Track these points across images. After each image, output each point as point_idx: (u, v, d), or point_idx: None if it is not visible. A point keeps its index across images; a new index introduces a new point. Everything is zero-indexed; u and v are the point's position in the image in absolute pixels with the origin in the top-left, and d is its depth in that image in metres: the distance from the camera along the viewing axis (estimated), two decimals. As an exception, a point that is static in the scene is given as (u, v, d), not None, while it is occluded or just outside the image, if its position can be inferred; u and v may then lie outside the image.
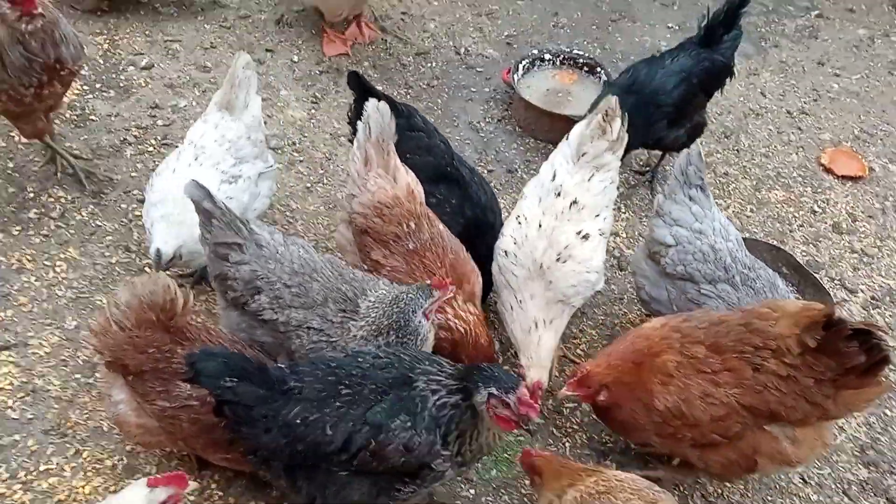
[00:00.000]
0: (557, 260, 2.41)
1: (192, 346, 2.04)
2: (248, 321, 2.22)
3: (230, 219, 2.19)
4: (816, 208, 3.48)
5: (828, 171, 3.64)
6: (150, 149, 3.34)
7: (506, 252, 2.52)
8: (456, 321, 2.33)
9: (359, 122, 2.49)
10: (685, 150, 2.56)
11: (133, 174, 3.22)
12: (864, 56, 4.39)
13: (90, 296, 2.74)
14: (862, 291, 3.16)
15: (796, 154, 3.72)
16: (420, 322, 2.12)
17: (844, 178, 3.61)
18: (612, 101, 2.45)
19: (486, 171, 3.49)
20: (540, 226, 2.45)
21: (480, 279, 2.46)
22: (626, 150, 2.62)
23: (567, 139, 2.53)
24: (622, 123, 2.46)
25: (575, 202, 2.43)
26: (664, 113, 3.09)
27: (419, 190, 2.49)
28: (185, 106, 3.55)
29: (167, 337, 2.05)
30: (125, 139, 3.36)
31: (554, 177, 2.48)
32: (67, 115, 3.41)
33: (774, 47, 4.38)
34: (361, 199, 2.44)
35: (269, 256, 2.19)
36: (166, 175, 2.60)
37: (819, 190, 3.56)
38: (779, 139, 3.80)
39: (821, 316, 1.98)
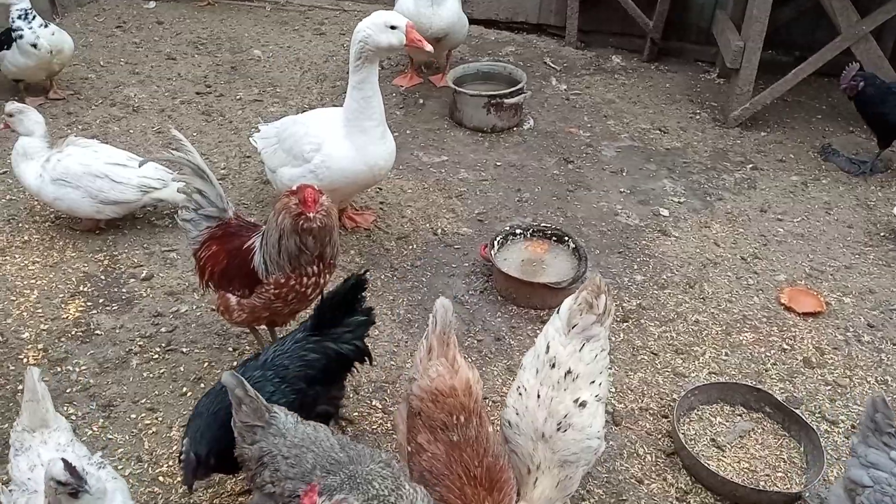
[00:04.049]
0: (558, 429, 2.56)
1: None
2: (261, 499, 2.36)
3: (257, 405, 2.38)
4: (786, 346, 3.72)
5: (788, 309, 3.92)
6: (156, 356, 3.50)
7: (509, 423, 2.69)
8: None
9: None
10: (870, 398, 2.57)
11: (140, 383, 3.35)
12: (800, 200, 4.86)
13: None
14: (842, 421, 3.33)
15: (757, 297, 4.02)
16: None
17: (805, 314, 3.89)
18: (597, 278, 2.72)
19: (475, 342, 3.70)
20: (539, 396, 2.62)
21: (514, 494, 2.52)
22: None
23: (558, 312, 2.76)
24: (608, 298, 2.70)
25: (569, 372, 2.61)
26: None
27: (478, 388, 2.63)
28: (186, 311, 3.75)
29: None
30: (130, 350, 3.52)
31: (548, 349, 2.68)
32: (73, 332, 3.59)
33: (719, 200, 4.83)
34: (421, 384, 2.60)
35: (276, 433, 2.36)
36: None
37: (784, 328, 3.82)
38: (738, 284, 4.12)
39: None
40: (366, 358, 2.94)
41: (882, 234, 4.56)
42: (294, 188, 3.00)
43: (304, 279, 3.05)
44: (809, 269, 4.25)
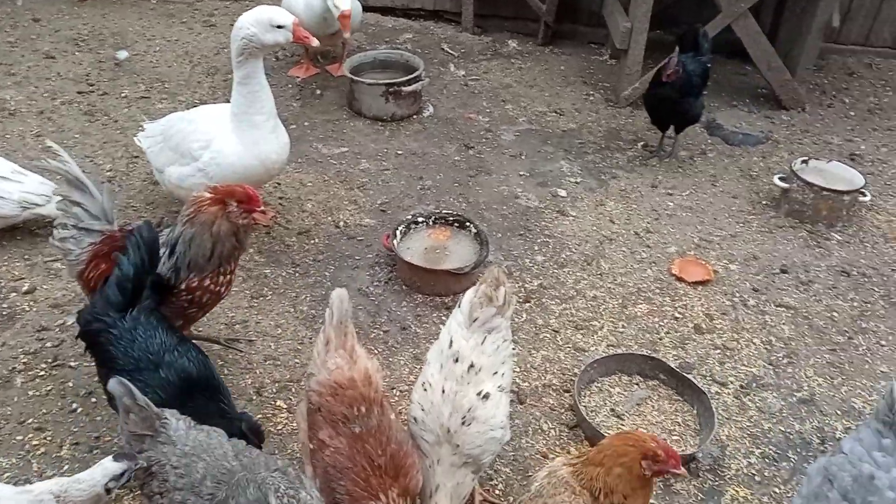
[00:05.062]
0: (463, 423, 2.58)
1: None
2: None
3: (147, 414, 2.29)
4: (678, 315, 3.89)
5: (679, 279, 4.10)
6: (42, 373, 3.32)
7: (415, 419, 2.69)
8: None
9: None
10: (890, 385, 2.47)
11: (26, 402, 3.18)
12: (688, 174, 5.07)
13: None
14: (731, 383, 3.52)
15: (650, 269, 4.19)
16: None
17: (695, 283, 4.08)
18: (496, 270, 2.75)
19: (381, 332, 3.69)
20: (443, 391, 2.63)
21: (420, 476, 2.53)
22: None
23: (459, 306, 2.77)
24: (507, 289, 2.73)
25: (472, 366, 2.63)
26: None
27: (378, 377, 2.60)
28: (74, 323, 3.57)
29: None
30: (14, 368, 3.33)
31: (451, 343, 2.69)
32: (-50, 354, 3.37)
33: (613, 178, 4.98)
34: (319, 378, 2.56)
35: (166, 441, 2.29)
36: None
37: (676, 298, 4.00)
38: (633, 258, 4.27)
39: None
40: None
41: (764, 202, 4.83)
42: (209, 193, 2.90)
43: (221, 277, 2.98)
44: (698, 239, 4.45)
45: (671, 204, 4.76)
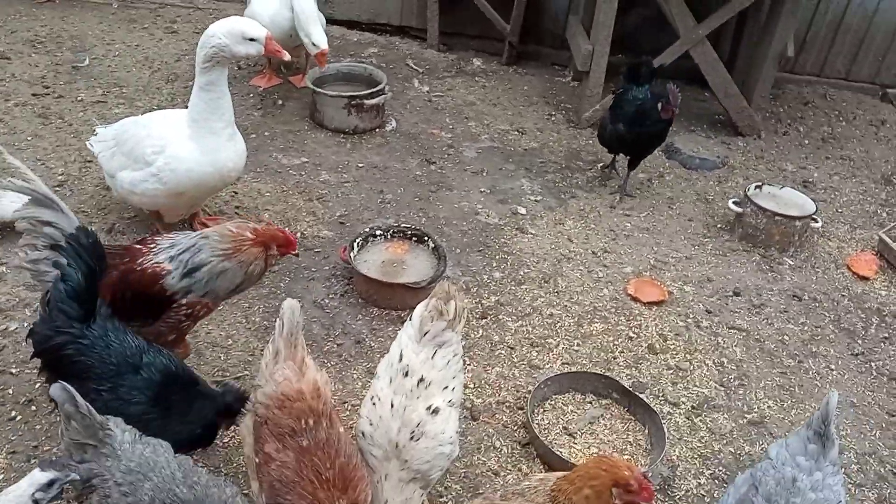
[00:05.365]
0: (411, 439, 2.54)
1: None
2: None
3: (89, 422, 2.21)
4: (632, 334, 3.92)
5: (635, 299, 4.14)
6: (-20, 381, 3.19)
7: (363, 433, 2.64)
8: None
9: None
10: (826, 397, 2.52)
11: (-39, 411, 3.05)
12: (646, 196, 5.14)
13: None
14: (682, 403, 3.54)
15: (606, 288, 4.22)
16: None
17: (650, 303, 4.12)
18: (446, 284, 2.73)
19: (335, 346, 3.64)
20: (392, 405, 2.59)
21: (370, 490, 2.48)
22: None
23: (410, 320, 2.75)
24: (458, 303, 2.71)
25: (422, 380, 2.60)
26: None
27: (326, 390, 2.56)
28: (17, 329, 3.45)
29: None
30: (-49, 375, 3.20)
31: (401, 357, 2.66)
32: None
33: (572, 198, 5.03)
34: (266, 390, 2.51)
35: (110, 454, 2.20)
36: None
37: (631, 317, 4.03)
38: (589, 277, 4.30)
39: None
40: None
41: (719, 226, 4.91)
42: (251, 234, 2.91)
43: None
44: (654, 260, 4.50)
45: (628, 225, 4.82)
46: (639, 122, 4.74)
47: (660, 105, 4.63)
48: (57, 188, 4.40)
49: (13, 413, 3.08)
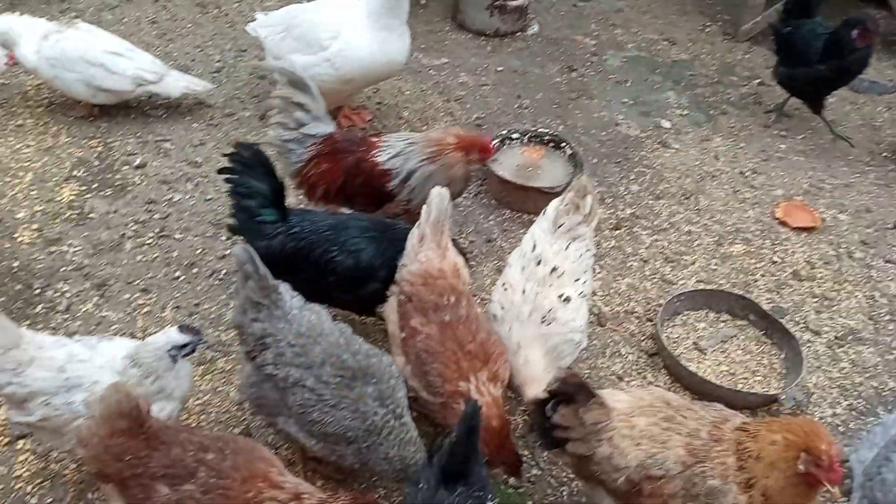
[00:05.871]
0: (543, 322, 2.59)
1: (169, 449, 2.07)
2: (256, 375, 2.39)
3: (265, 283, 2.36)
4: (776, 259, 3.73)
5: (783, 223, 3.91)
6: (149, 241, 3.51)
7: (494, 316, 2.73)
8: (477, 396, 2.42)
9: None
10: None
11: (133, 265, 3.38)
12: (805, 118, 4.76)
13: (98, 385, 2.84)
14: (825, 332, 3.37)
15: (752, 210, 4.01)
16: None
17: (799, 229, 3.88)
18: (584, 179, 2.71)
19: (466, 242, 3.71)
20: (524, 291, 2.65)
21: (509, 365, 2.57)
22: None
23: (545, 213, 2.76)
24: (593, 199, 2.69)
25: (555, 269, 2.64)
26: None
27: (465, 272, 2.69)
28: (180, 200, 3.75)
29: (142, 443, 2.06)
30: (124, 234, 3.54)
31: (534, 247, 2.70)
32: (67, 215, 3.60)
33: (723, 114, 4.74)
34: (410, 269, 2.64)
35: (281, 317, 2.37)
36: None
37: (777, 241, 3.82)
38: (734, 197, 4.09)
39: None
40: None
41: (884, 154, 4.51)
42: (453, 139, 3.09)
43: None
44: (808, 185, 4.21)
45: (783, 146, 4.51)
46: (835, 55, 4.20)
47: (854, 32, 4.12)
48: (214, 74, 4.65)
49: (178, 273, 3.39)
